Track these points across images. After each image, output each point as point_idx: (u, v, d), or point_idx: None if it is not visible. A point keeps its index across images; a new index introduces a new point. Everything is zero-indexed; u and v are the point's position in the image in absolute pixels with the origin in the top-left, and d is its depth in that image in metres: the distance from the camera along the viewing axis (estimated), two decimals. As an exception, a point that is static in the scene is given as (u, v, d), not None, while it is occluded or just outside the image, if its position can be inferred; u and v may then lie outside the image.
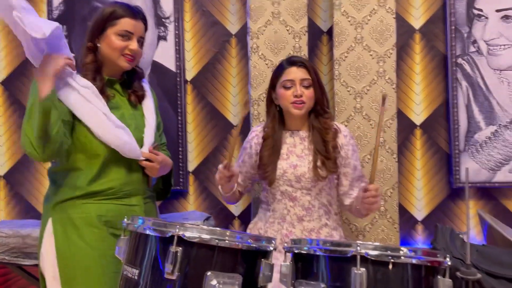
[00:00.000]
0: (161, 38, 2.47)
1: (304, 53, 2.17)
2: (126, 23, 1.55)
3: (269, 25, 2.16)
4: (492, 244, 1.91)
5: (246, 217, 2.43)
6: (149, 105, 1.69)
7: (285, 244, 1.07)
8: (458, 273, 1.24)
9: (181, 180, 2.45)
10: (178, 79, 2.45)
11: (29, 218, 2.45)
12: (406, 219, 2.42)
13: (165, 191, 1.75)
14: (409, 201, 2.45)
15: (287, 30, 2.16)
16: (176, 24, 2.45)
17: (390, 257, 0.91)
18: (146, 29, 1.65)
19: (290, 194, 1.72)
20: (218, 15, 2.47)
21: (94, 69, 1.55)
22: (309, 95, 1.71)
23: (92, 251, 1.47)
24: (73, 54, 1.53)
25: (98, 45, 1.56)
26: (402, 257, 0.94)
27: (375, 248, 0.92)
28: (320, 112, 1.74)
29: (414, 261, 0.94)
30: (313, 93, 1.71)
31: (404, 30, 2.45)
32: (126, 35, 1.56)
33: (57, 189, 1.57)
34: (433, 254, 0.97)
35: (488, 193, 2.44)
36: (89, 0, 2.44)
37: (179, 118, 2.45)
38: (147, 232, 1.00)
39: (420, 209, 2.45)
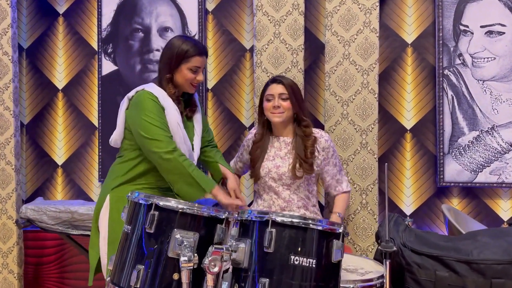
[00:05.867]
0: (187, 53, 2.94)
1: (300, 67, 2.55)
2: (196, 61, 1.97)
3: (271, 43, 2.57)
4: (451, 234, 2.18)
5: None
6: (198, 118, 2.12)
7: (235, 215, 1.47)
8: (379, 247, 1.58)
9: (201, 172, 2.91)
10: (200, 87, 2.91)
11: (80, 199, 3.02)
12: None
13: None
14: (399, 197, 2.75)
15: (286, 48, 2.55)
16: (200, 41, 2.91)
17: (293, 222, 1.30)
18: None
19: (274, 188, 2.11)
20: (235, 33, 2.90)
21: (177, 96, 2.00)
22: (287, 106, 2.08)
23: None
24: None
25: (174, 75, 2.00)
26: (311, 224, 1.32)
27: (283, 216, 1.31)
28: (299, 121, 2.11)
29: (319, 227, 1.32)
30: (290, 104, 2.08)
31: (397, 44, 2.75)
32: (195, 70, 1.99)
33: (115, 178, 2.03)
34: (332, 223, 1.34)
35: (470, 192, 2.68)
36: (130, 23, 2.96)
37: (201, 120, 2.91)
38: (140, 201, 1.45)
39: (408, 205, 2.74)
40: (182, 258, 1.29)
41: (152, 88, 1.99)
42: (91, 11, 3.03)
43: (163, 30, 2.95)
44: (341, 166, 2.19)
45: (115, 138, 2.08)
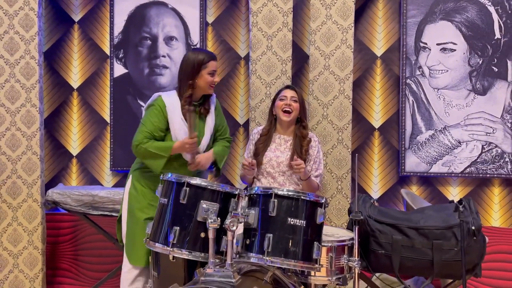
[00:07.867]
0: (190, 59, 3.39)
1: (288, 75, 3.05)
2: (212, 65, 2.41)
3: (264, 55, 3.06)
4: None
5: (246, 192, 3.33)
6: (209, 122, 2.51)
7: (244, 191, 1.96)
8: (350, 216, 2.10)
9: (201, 163, 3.38)
10: (201, 89, 3.38)
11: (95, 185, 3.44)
12: (365, 198, 3.25)
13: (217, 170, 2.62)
14: (368, 184, 3.30)
15: (277, 58, 3.05)
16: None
17: (290, 194, 1.81)
18: None
19: (272, 174, 2.61)
20: (231, 43, 3.38)
21: (190, 100, 2.40)
22: (296, 107, 2.59)
23: (148, 194, 2.40)
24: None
25: (196, 81, 2.38)
26: (302, 196, 1.83)
27: (282, 190, 1.82)
28: (301, 124, 2.62)
29: (308, 198, 1.83)
30: (299, 106, 2.59)
31: (368, 56, 3.28)
32: (212, 73, 2.42)
33: (137, 162, 2.50)
34: (317, 196, 1.86)
35: (426, 180, 3.25)
36: (139, 32, 3.40)
37: (201, 118, 3.37)
38: (172, 180, 1.93)
39: (376, 190, 3.29)
40: (209, 220, 1.77)
41: (168, 96, 2.41)
42: (104, 20, 3.45)
43: (168, 39, 3.39)
44: (320, 167, 2.63)
45: None
